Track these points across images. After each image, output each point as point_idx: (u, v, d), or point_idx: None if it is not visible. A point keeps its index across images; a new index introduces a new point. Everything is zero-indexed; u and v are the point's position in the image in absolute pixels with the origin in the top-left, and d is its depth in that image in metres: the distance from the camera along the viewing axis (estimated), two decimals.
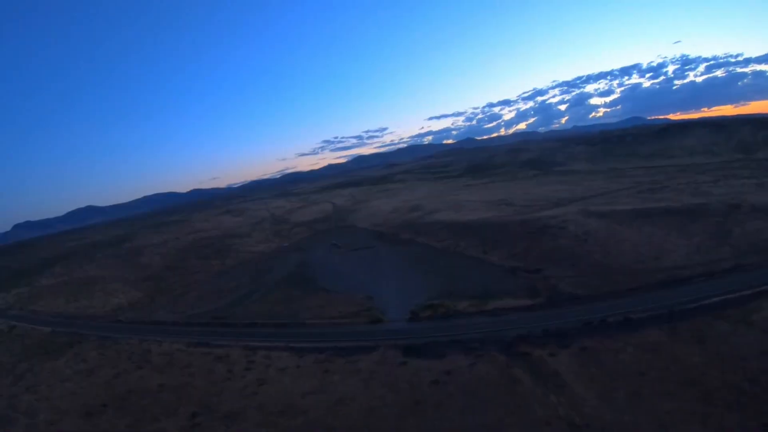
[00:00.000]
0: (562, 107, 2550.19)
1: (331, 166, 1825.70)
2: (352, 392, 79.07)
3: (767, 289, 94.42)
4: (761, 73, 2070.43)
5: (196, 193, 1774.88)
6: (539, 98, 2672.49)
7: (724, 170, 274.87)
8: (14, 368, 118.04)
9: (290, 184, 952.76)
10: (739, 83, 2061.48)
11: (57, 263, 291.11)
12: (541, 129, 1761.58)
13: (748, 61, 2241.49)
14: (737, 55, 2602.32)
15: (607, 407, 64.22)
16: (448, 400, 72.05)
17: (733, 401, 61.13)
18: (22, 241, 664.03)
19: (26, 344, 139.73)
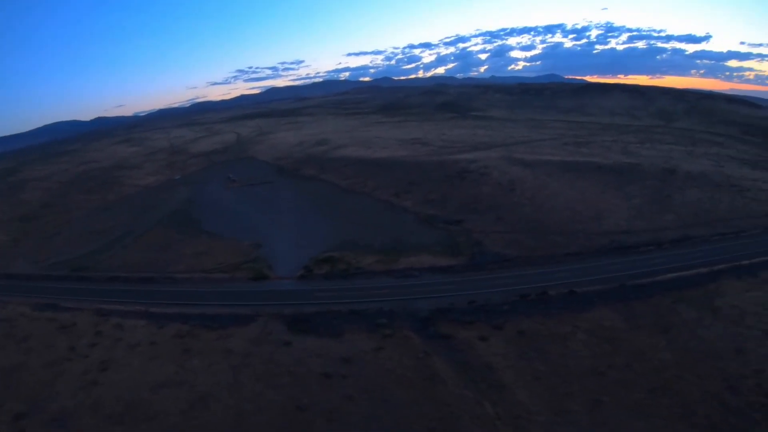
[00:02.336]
0: (483, 56, 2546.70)
1: (243, 97, 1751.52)
2: (218, 387, 58.74)
3: (723, 268, 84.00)
4: (679, 50, 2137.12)
5: (100, 121, 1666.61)
6: (461, 45, 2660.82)
7: (647, 133, 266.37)
8: None
9: (198, 113, 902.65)
10: (658, 57, 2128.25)
11: None
12: (460, 75, 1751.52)
13: (669, 38, 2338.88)
14: (660, 31, 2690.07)
15: (563, 425, 48.33)
16: (344, 406, 52.85)
17: (720, 421, 48.14)
18: None
19: None
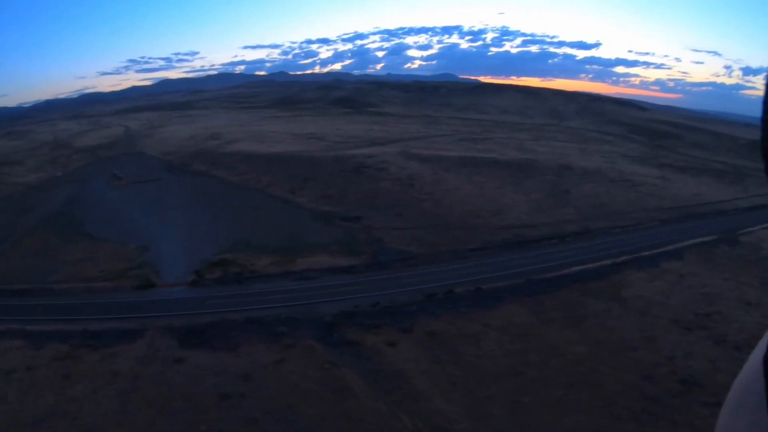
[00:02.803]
0: (380, 54, 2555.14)
1: (135, 89, 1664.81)
2: (104, 418, 50.91)
3: (626, 260, 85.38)
4: (570, 55, 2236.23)
5: None
6: (359, 42, 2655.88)
7: (540, 131, 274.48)
8: None
9: (87, 105, 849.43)
10: (550, 61, 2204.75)
11: None
12: (356, 72, 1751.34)
13: (561, 44, 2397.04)
14: (553, 36, 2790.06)
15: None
16: (247, 430, 47.00)
17: (640, 410, 47.55)
18: None
19: None
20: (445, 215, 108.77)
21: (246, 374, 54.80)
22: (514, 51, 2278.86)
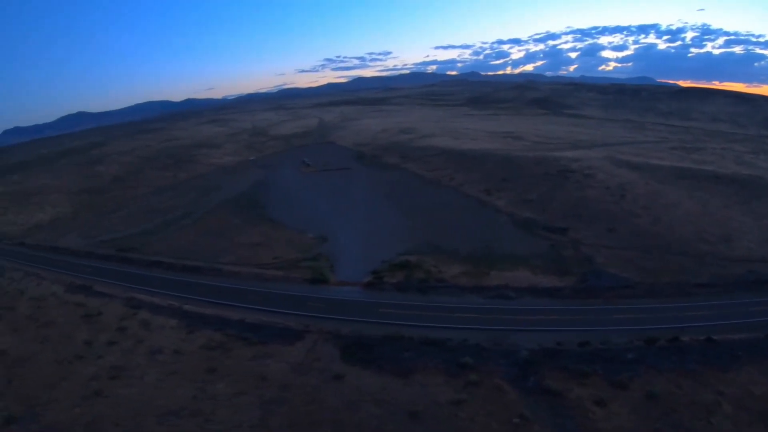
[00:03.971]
0: (573, 55, 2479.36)
1: (330, 85, 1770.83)
2: (237, 428, 44.77)
3: None
4: None
5: (190, 102, 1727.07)
6: (551, 42, 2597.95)
7: (758, 143, 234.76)
8: None
9: (286, 99, 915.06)
10: (756, 64, 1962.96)
11: (18, 170, 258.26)
12: (549, 73, 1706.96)
13: None
14: (759, 36, 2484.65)
15: None
16: None
17: None
18: (3, 146, 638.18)
19: None
20: (663, 235, 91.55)
21: (414, 412, 44.99)
22: (715, 52, 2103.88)
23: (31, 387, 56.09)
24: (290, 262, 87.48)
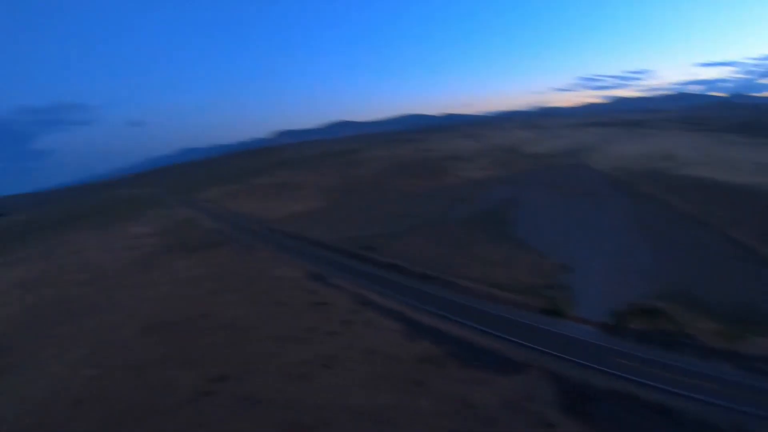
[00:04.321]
0: None
1: (588, 105, 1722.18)
2: None
3: None
4: None
5: (449, 117, 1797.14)
6: None
7: None
8: (151, 261, 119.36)
9: (540, 117, 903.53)
10: None
11: (283, 167, 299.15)
12: None
13: None
14: None
15: None
16: None
17: None
18: (276, 145, 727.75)
19: (181, 238, 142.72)
20: None
21: None
22: None
23: (248, 355, 61.33)
24: (527, 287, 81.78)
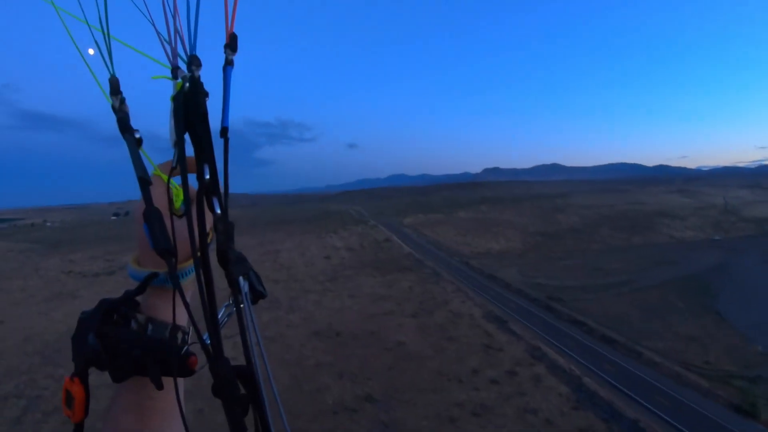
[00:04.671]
0: None
1: None
2: None
3: None
4: None
5: (661, 168, 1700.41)
6: None
7: None
8: (339, 272, 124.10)
9: (765, 176, 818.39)
10: None
11: (487, 203, 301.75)
12: None
13: None
14: None
15: None
16: None
17: None
18: (483, 181, 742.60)
19: (373, 256, 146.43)
20: None
21: None
22: None
23: (404, 383, 59.60)
24: (721, 373, 69.77)
